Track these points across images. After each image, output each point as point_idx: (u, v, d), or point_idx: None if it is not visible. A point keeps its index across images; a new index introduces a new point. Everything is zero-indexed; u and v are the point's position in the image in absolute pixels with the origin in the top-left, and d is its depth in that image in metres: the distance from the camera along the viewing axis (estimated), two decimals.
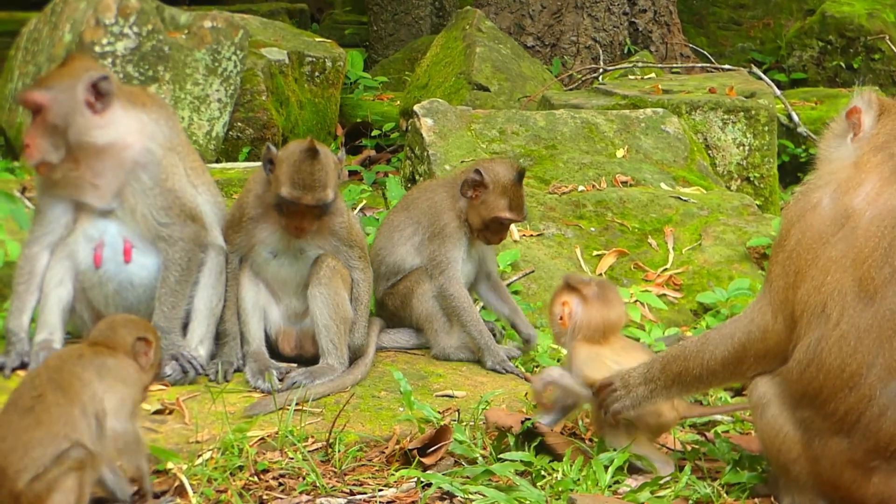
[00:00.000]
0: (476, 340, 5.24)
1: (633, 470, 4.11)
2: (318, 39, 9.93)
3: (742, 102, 8.45)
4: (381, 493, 3.96)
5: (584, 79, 10.81)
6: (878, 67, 12.26)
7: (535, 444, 4.17)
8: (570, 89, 10.36)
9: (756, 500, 3.96)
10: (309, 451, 4.20)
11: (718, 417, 4.74)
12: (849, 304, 3.59)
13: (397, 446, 4.25)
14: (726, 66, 10.76)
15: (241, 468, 4.04)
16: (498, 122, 7.59)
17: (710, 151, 8.27)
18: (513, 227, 6.32)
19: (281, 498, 3.91)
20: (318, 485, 3.98)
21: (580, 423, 4.57)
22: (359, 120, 10.01)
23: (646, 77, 10.18)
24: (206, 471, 3.96)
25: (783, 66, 12.73)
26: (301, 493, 3.95)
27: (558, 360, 5.15)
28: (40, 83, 4.71)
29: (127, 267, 4.79)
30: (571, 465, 4.02)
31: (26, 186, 6.43)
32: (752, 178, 8.33)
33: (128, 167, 4.73)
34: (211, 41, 8.02)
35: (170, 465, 3.98)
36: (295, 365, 4.96)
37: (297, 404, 4.50)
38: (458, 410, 4.59)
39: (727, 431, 4.59)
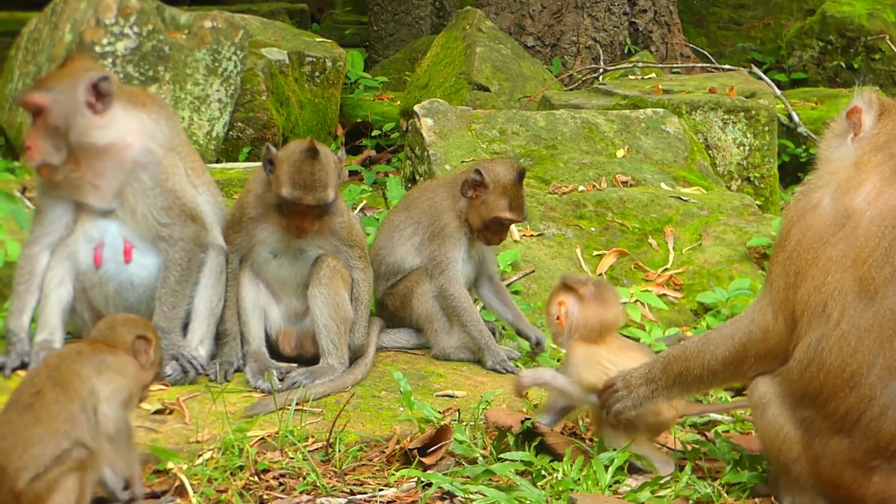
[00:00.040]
0: (476, 340, 5.24)
1: (633, 470, 4.11)
2: (318, 39, 9.93)
3: (742, 102, 8.45)
4: (381, 493, 3.96)
5: (584, 79, 10.81)
6: (879, 67, 12.26)
7: (535, 443, 4.17)
8: (571, 89, 10.36)
9: (756, 499, 3.96)
10: (309, 451, 4.20)
11: (719, 417, 4.74)
12: (849, 304, 3.59)
13: (398, 446, 4.25)
14: (726, 66, 10.76)
15: (241, 468, 4.04)
16: (498, 122, 7.59)
17: (710, 151, 8.27)
18: (513, 227, 6.32)
19: (281, 498, 3.91)
20: (318, 484, 3.99)
21: (580, 423, 4.57)
22: (359, 120, 10.02)
23: (646, 77, 10.18)
24: (206, 471, 3.97)
25: (783, 66, 12.73)
26: (301, 492, 3.95)
27: (558, 360, 5.15)
28: (40, 85, 4.70)
29: (127, 267, 4.79)
30: (572, 465, 4.02)
31: (26, 186, 6.43)
32: (752, 178, 8.33)
33: (128, 167, 4.73)
34: (211, 41, 8.02)
35: (170, 464, 3.98)
36: (295, 365, 4.96)
37: (297, 404, 4.50)
38: (458, 410, 4.59)
39: (727, 431, 4.59)
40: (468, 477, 3.98)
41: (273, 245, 4.97)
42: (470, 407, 4.59)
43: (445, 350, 5.30)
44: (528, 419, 4.28)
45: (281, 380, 4.76)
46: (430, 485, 3.95)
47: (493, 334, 5.37)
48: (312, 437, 4.33)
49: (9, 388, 4.28)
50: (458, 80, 9.53)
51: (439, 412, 4.48)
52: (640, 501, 3.86)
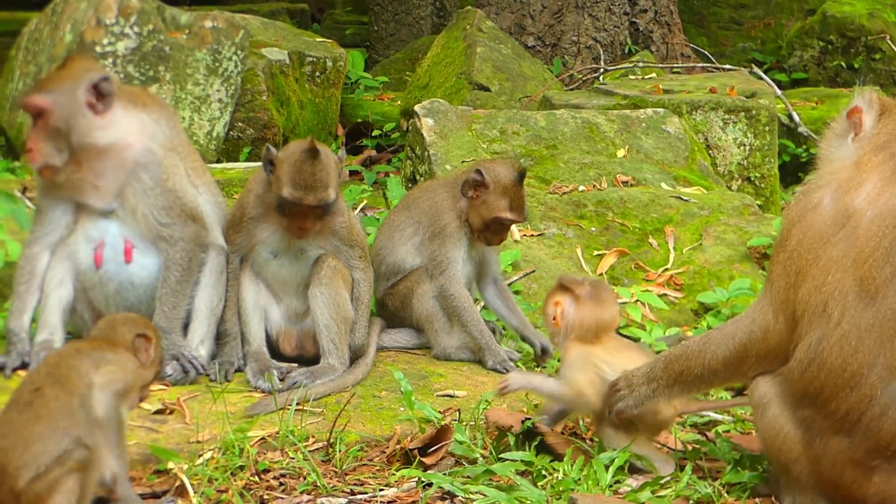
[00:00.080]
0: (477, 340, 5.24)
1: (633, 470, 4.11)
2: (318, 39, 9.93)
3: (743, 102, 8.45)
4: (381, 493, 3.96)
5: (584, 79, 10.81)
6: (879, 67, 12.26)
7: (535, 443, 4.17)
8: (571, 89, 10.36)
9: (757, 499, 3.96)
10: (310, 451, 4.20)
11: (719, 417, 4.74)
12: (850, 304, 3.59)
13: (398, 446, 4.25)
14: (727, 66, 10.76)
15: (241, 468, 4.04)
16: (499, 122, 7.59)
17: (710, 151, 8.27)
18: (513, 227, 6.32)
19: (282, 498, 3.91)
20: (318, 484, 3.99)
21: (581, 422, 4.57)
22: (359, 120, 10.02)
23: (646, 77, 10.18)
24: (206, 471, 3.97)
25: (784, 65, 12.73)
26: (302, 492, 3.95)
27: (558, 360, 5.15)
28: (41, 86, 4.70)
29: (127, 267, 4.79)
30: (572, 465, 4.02)
31: (27, 186, 6.43)
32: (752, 178, 8.33)
33: (129, 167, 4.73)
34: (212, 41, 8.03)
35: (171, 464, 3.98)
36: (296, 365, 4.96)
37: (297, 404, 4.50)
38: (458, 410, 4.59)
39: (728, 431, 4.59)
40: (469, 477, 3.98)
41: (273, 245, 4.97)
42: (470, 407, 4.59)
43: (446, 350, 5.30)
44: (529, 419, 4.28)
45: (281, 380, 4.76)
46: (430, 485, 3.95)
47: (494, 334, 5.37)
48: (313, 436, 4.33)
49: (9, 387, 4.28)
50: (458, 80, 9.53)
51: (440, 412, 4.47)
52: (641, 501, 3.86)
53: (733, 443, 4.30)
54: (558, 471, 4.01)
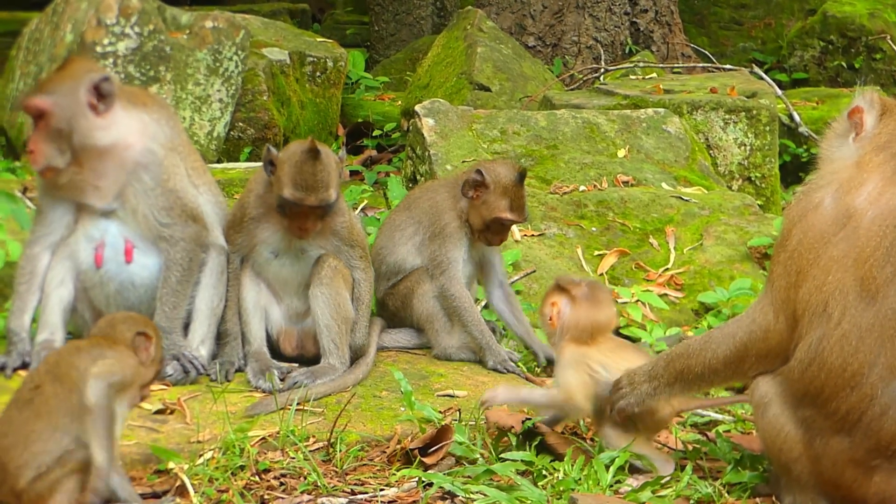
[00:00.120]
0: (477, 340, 5.24)
1: (633, 470, 4.11)
2: (319, 39, 9.93)
3: (743, 102, 8.44)
4: (382, 493, 3.96)
5: (585, 79, 10.81)
6: (880, 67, 12.26)
7: (535, 443, 4.17)
8: (572, 89, 10.36)
9: (757, 499, 3.96)
10: (310, 451, 4.20)
11: (720, 417, 4.74)
12: (850, 304, 3.59)
13: (398, 446, 4.25)
14: (728, 66, 10.76)
15: (242, 468, 4.05)
16: (499, 122, 7.59)
17: (711, 151, 8.27)
18: (514, 227, 6.32)
19: (282, 497, 3.91)
20: (319, 484, 3.99)
21: (581, 422, 4.57)
22: (360, 120, 10.02)
23: (647, 77, 10.18)
24: (207, 470, 3.97)
25: (784, 65, 12.73)
26: (302, 492, 3.95)
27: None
28: (41, 88, 4.69)
29: (128, 267, 4.79)
30: (573, 465, 4.02)
31: (27, 186, 6.43)
32: (753, 178, 8.33)
33: (129, 167, 4.73)
34: (212, 41, 8.03)
35: (171, 464, 3.98)
36: (296, 365, 4.96)
37: (298, 404, 4.50)
38: (459, 410, 4.59)
39: (728, 431, 4.59)
40: (469, 477, 3.98)
41: (274, 245, 4.97)
42: (471, 407, 4.59)
43: (446, 350, 5.30)
44: (529, 419, 4.28)
45: (282, 380, 4.76)
46: (431, 485, 3.95)
47: (494, 334, 5.37)
48: (313, 436, 4.33)
49: (10, 387, 4.28)
50: (459, 80, 9.53)
51: (440, 412, 4.47)
52: (641, 501, 3.86)
53: (734, 443, 4.30)
54: (559, 471, 4.01)
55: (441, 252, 5.29)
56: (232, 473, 4.00)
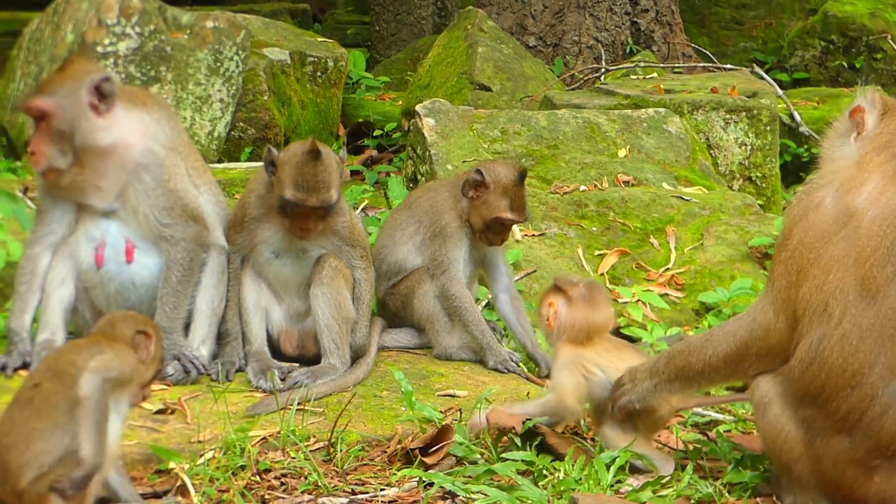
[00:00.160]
0: (478, 340, 5.24)
1: (634, 469, 4.11)
2: (320, 39, 9.93)
3: (744, 102, 8.44)
4: (382, 493, 3.96)
5: (585, 78, 10.81)
6: (881, 67, 12.25)
7: (536, 443, 4.17)
8: (572, 89, 10.36)
9: (758, 499, 3.96)
10: (311, 451, 4.20)
11: (720, 417, 4.73)
12: (851, 304, 3.59)
13: (399, 446, 4.25)
14: (728, 66, 10.75)
15: (243, 468, 4.05)
16: (500, 121, 7.59)
17: (712, 151, 8.27)
18: (515, 227, 6.32)
19: (283, 497, 3.91)
20: (319, 484, 3.99)
21: (582, 422, 4.57)
22: (361, 120, 10.02)
23: (648, 77, 10.17)
24: (208, 470, 3.97)
25: (785, 65, 12.73)
26: (303, 492, 3.95)
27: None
28: (42, 89, 4.68)
29: (129, 267, 4.79)
30: (573, 465, 4.01)
31: (28, 186, 6.43)
32: (753, 178, 8.33)
33: (130, 168, 4.73)
34: (213, 41, 8.03)
35: (172, 464, 3.98)
36: (297, 365, 4.96)
37: (298, 404, 4.50)
38: (459, 410, 4.59)
39: (729, 431, 4.59)
40: (470, 477, 3.98)
41: (275, 245, 4.97)
42: (471, 407, 4.59)
43: (447, 350, 5.30)
44: (529, 419, 4.28)
45: (282, 379, 4.76)
46: (431, 484, 3.95)
47: (495, 333, 5.36)
48: (314, 436, 4.33)
49: (11, 387, 4.28)
50: (459, 79, 9.53)
51: (441, 412, 4.47)
52: (642, 501, 3.86)
53: (734, 442, 4.29)
54: (559, 470, 4.01)
55: (441, 252, 5.29)
56: (233, 473, 4.00)
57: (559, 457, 4.13)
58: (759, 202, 7.54)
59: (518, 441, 4.20)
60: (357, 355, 5.02)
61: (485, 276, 5.54)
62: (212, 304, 4.91)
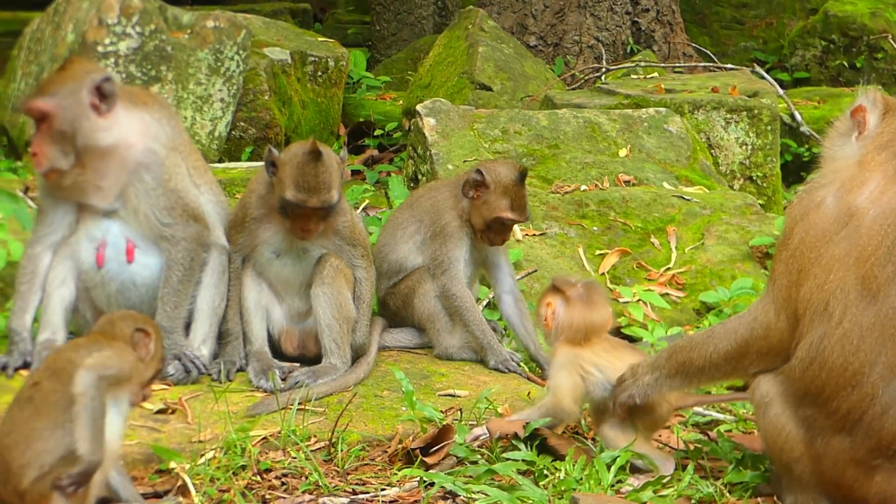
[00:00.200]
0: (479, 340, 5.24)
1: (634, 469, 4.11)
2: (320, 39, 9.93)
3: (745, 102, 8.44)
4: (383, 493, 3.96)
5: (586, 78, 10.81)
6: (882, 66, 12.25)
7: (537, 443, 4.17)
8: (573, 89, 10.35)
9: (759, 499, 3.96)
10: (311, 451, 4.20)
11: (721, 417, 4.73)
12: (851, 303, 3.59)
13: (400, 446, 4.25)
14: (729, 66, 10.74)
15: (243, 467, 4.05)
16: (500, 121, 7.59)
17: (712, 151, 8.26)
18: (515, 226, 6.31)
19: (284, 497, 3.91)
20: (320, 484, 3.99)
21: (582, 422, 4.57)
22: (361, 119, 10.02)
23: (648, 76, 10.17)
24: (208, 470, 3.97)
25: (786, 65, 12.72)
26: (304, 492, 3.95)
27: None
28: (43, 90, 4.68)
29: (129, 267, 4.79)
30: (574, 465, 4.01)
31: (29, 186, 6.43)
32: (754, 178, 8.33)
33: (130, 167, 4.73)
34: (214, 41, 8.03)
35: (173, 464, 3.98)
36: (297, 364, 4.96)
37: (299, 404, 4.50)
38: (460, 410, 4.59)
39: (730, 430, 4.59)
40: (470, 476, 3.98)
41: (276, 245, 4.97)
42: (472, 406, 4.59)
43: (448, 350, 5.30)
44: (529, 423, 4.27)
45: (283, 379, 4.76)
46: (432, 484, 3.95)
47: (495, 333, 5.36)
48: (315, 436, 4.33)
49: (12, 387, 4.29)
50: (460, 79, 9.53)
51: (441, 412, 4.47)
52: (643, 501, 3.86)
53: (735, 442, 4.29)
54: (560, 470, 4.01)
55: (442, 251, 5.29)
56: (233, 473, 4.00)
57: (560, 457, 4.13)
58: (760, 202, 7.54)
59: (519, 442, 4.21)
60: (357, 354, 5.02)
61: (488, 277, 5.54)
62: (212, 304, 4.91)
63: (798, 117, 9.45)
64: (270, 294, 5.04)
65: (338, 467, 4.16)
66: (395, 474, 4.09)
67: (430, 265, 5.33)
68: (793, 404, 3.72)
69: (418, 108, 7.52)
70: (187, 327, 4.87)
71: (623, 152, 7.51)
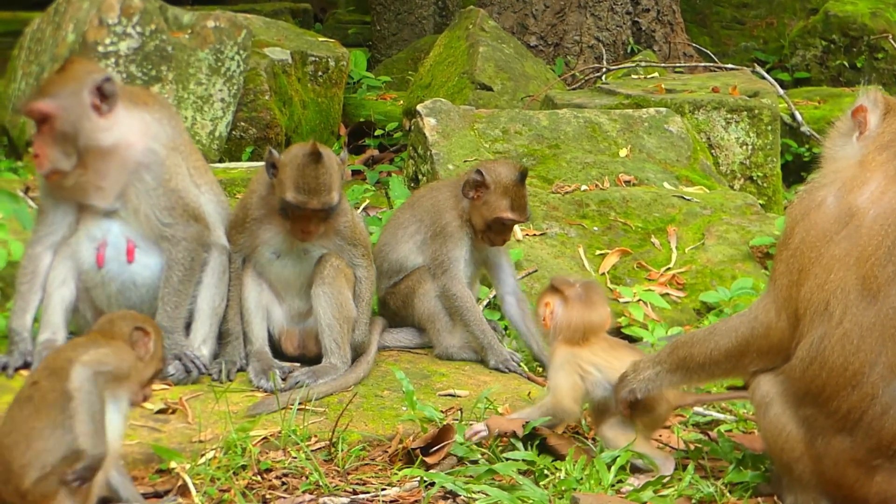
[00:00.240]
0: (479, 340, 5.24)
1: (634, 469, 4.11)
2: (321, 39, 9.93)
3: (745, 102, 8.44)
4: (384, 493, 3.96)
5: (587, 78, 10.81)
6: (882, 66, 12.25)
7: (537, 443, 4.17)
8: (574, 89, 10.35)
9: (759, 499, 3.96)
10: (312, 451, 4.20)
11: (721, 417, 4.73)
12: (852, 303, 3.59)
13: (400, 445, 4.25)
14: (729, 66, 10.74)
15: (244, 467, 4.05)
16: (501, 121, 7.59)
17: (713, 151, 8.26)
18: (516, 226, 6.31)
19: (284, 497, 3.92)
20: (321, 484, 3.99)
21: (583, 422, 4.57)
22: (362, 120, 10.02)
23: (649, 76, 10.17)
24: (209, 470, 3.97)
25: (786, 65, 12.72)
26: (304, 492, 3.95)
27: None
28: (43, 91, 4.67)
29: (130, 267, 4.79)
30: (574, 465, 4.01)
31: (29, 186, 6.43)
32: (755, 178, 8.33)
33: (131, 167, 4.73)
34: (214, 41, 8.03)
35: (173, 464, 3.99)
36: (298, 364, 4.97)
37: (300, 403, 4.50)
38: (460, 410, 4.59)
39: (730, 430, 4.59)
40: (471, 476, 3.98)
41: (276, 246, 4.98)
42: (472, 406, 4.59)
43: (448, 349, 5.30)
44: (529, 422, 4.28)
45: (284, 379, 4.76)
46: (432, 484, 3.95)
47: (496, 333, 5.36)
48: (315, 436, 4.33)
49: (11, 387, 4.29)
50: (460, 79, 9.53)
51: (442, 412, 4.47)
52: (643, 501, 3.86)
53: (735, 442, 4.29)
54: (560, 470, 4.01)
55: (442, 251, 5.29)
56: (234, 473, 4.01)
57: (560, 457, 4.13)
58: (761, 202, 7.54)
59: (519, 442, 4.21)
60: (357, 353, 5.02)
61: (490, 277, 5.54)
62: (213, 304, 4.91)
63: (798, 117, 9.45)
64: (271, 294, 5.04)
65: (338, 467, 4.16)
66: (396, 474, 4.09)
67: (430, 265, 5.33)
68: (793, 404, 3.72)
69: (419, 108, 7.52)
70: (188, 327, 4.87)
71: (623, 152, 7.51)
